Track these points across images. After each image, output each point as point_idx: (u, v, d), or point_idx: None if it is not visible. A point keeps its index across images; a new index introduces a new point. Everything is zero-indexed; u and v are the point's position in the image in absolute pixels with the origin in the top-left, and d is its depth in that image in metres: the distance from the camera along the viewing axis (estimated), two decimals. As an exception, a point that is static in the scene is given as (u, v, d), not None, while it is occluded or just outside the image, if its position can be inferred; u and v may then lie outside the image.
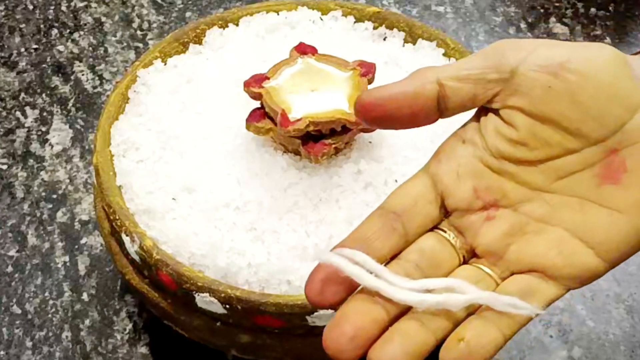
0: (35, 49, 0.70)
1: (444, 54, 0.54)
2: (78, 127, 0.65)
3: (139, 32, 0.71)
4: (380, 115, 0.36)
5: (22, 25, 0.72)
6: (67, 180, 0.62)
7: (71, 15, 0.73)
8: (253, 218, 0.46)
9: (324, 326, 0.44)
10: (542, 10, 0.74)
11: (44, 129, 0.65)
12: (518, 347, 0.54)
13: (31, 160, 0.63)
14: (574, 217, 0.35)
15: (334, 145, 0.47)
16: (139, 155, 0.49)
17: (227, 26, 0.55)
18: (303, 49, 0.50)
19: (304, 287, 0.35)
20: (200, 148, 0.49)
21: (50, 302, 0.56)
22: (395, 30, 0.56)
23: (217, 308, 0.44)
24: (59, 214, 0.60)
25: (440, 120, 0.37)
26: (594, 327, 0.55)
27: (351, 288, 0.34)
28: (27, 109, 0.66)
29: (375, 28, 0.56)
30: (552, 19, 0.73)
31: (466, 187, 0.36)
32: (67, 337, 0.54)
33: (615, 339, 0.55)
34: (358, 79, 0.48)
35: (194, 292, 0.44)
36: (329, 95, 0.48)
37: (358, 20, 0.56)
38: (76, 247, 0.58)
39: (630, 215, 0.35)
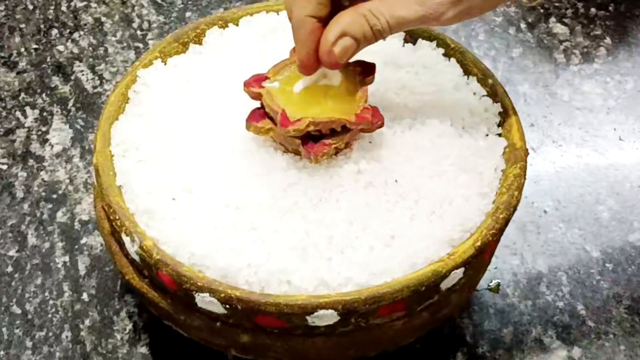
0: (35, 49, 0.70)
1: (444, 54, 0.54)
2: (78, 127, 0.65)
3: (139, 32, 0.71)
4: None
5: (22, 25, 0.72)
6: (67, 180, 0.62)
7: (71, 15, 0.73)
8: (253, 218, 0.46)
9: (324, 326, 0.45)
10: (542, 10, 0.74)
11: (44, 129, 0.65)
12: (518, 347, 0.54)
13: (31, 160, 0.63)
14: None
15: (334, 145, 0.47)
16: (139, 155, 0.49)
17: (227, 26, 0.55)
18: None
19: None
20: (200, 148, 0.49)
21: (50, 302, 0.56)
22: (395, 30, 0.56)
23: (217, 308, 0.44)
24: (59, 214, 0.60)
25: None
26: (594, 327, 0.55)
27: None
28: (27, 109, 0.66)
29: (375, 28, 0.56)
30: (552, 19, 0.73)
31: None
32: (67, 337, 0.54)
33: (615, 339, 0.55)
34: (358, 78, 0.48)
35: (194, 292, 0.44)
36: (329, 95, 0.48)
37: (358, 20, 0.56)
38: (76, 247, 0.58)
39: None
